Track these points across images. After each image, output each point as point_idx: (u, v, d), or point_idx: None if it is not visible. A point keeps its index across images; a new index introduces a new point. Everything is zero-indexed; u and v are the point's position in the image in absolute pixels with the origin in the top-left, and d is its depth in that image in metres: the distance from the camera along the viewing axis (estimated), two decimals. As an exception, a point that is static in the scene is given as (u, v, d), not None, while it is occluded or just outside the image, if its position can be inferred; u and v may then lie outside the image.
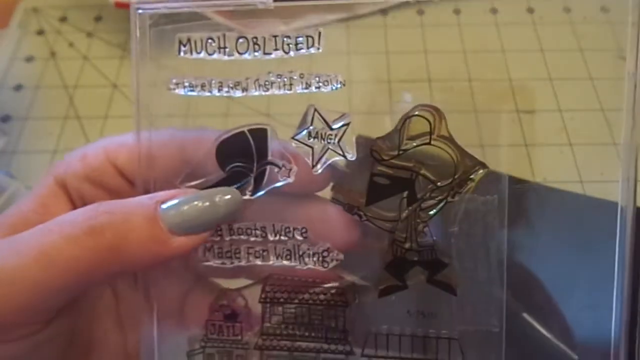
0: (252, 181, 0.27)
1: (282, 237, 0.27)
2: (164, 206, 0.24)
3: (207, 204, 0.25)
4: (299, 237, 0.27)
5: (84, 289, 0.26)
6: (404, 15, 0.46)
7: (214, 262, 0.28)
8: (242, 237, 0.27)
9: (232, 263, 0.28)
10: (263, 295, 0.28)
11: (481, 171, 0.25)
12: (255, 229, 0.27)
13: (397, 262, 0.26)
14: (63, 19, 0.57)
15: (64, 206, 0.27)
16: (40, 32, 0.56)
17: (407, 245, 0.26)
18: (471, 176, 0.25)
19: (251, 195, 0.27)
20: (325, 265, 0.27)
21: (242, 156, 0.27)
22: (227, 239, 0.28)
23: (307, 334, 0.27)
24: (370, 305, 0.27)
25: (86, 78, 0.52)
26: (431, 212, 0.26)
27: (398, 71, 0.40)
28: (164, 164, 0.27)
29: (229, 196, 0.25)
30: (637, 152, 0.25)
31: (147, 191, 0.27)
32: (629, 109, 0.25)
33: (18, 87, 0.52)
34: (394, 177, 0.26)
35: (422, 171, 0.25)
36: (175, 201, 0.25)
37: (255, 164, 0.27)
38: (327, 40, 0.26)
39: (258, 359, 0.28)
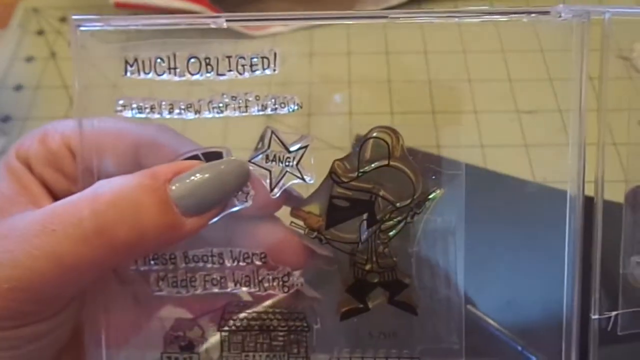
0: (207, 206, 0.26)
1: (241, 263, 0.26)
2: (173, 187, 0.23)
3: (216, 178, 0.24)
4: (258, 262, 0.26)
5: (97, 278, 0.25)
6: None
7: (168, 292, 0.27)
8: (198, 264, 0.26)
9: (187, 292, 0.27)
10: (221, 323, 0.27)
11: (438, 191, 0.26)
12: (212, 256, 0.26)
13: (358, 284, 0.26)
14: (63, 19, 0.57)
15: (38, 186, 0.25)
16: (40, 32, 0.56)
17: (367, 267, 0.26)
18: (429, 196, 0.25)
19: (207, 221, 0.26)
20: (286, 290, 0.26)
21: (197, 181, 0.26)
22: (182, 266, 0.27)
23: (268, 360, 0.27)
24: (332, 328, 0.27)
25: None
26: (391, 233, 0.26)
27: (398, 71, 0.40)
28: (113, 156, 0.26)
29: (234, 165, 0.25)
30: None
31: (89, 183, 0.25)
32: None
33: (18, 87, 0.52)
34: (353, 199, 0.26)
35: (382, 192, 0.25)
36: (184, 180, 0.24)
37: (210, 189, 0.26)
38: (285, 62, 0.25)
39: (218, 388, 0.27)
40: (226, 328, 0.27)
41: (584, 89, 0.25)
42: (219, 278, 0.26)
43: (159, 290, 0.27)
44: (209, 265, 0.27)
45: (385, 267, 0.26)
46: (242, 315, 0.27)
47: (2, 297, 0.22)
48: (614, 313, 0.26)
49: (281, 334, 0.27)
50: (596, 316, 0.26)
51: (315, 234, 0.26)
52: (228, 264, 0.26)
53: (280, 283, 0.26)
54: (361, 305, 0.26)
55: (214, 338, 0.27)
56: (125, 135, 0.26)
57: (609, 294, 0.26)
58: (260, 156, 0.26)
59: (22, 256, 0.22)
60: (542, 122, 0.40)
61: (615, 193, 0.26)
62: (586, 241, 0.26)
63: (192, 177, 0.24)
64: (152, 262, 0.27)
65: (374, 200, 0.26)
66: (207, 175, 0.24)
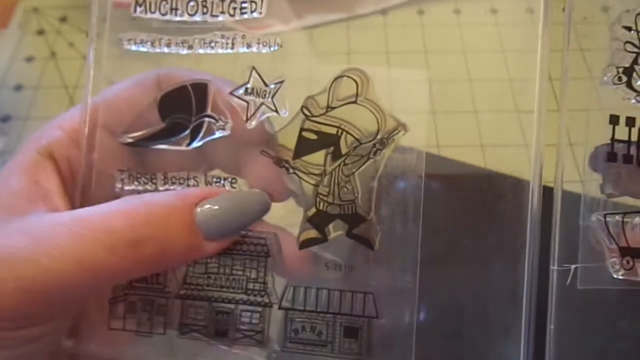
0: (189, 132, 0.29)
1: (212, 187, 0.28)
2: (199, 210, 0.25)
3: (239, 207, 0.26)
4: (228, 187, 0.28)
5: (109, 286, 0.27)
6: (404, 15, 0.46)
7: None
8: (175, 186, 0.28)
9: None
10: (189, 245, 0.28)
11: (402, 133, 0.27)
12: (188, 179, 0.28)
13: (319, 214, 0.27)
14: (63, 19, 0.56)
15: (52, 179, 0.27)
16: (40, 32, 0.56)
17: (329, 199, 0.27)
18: (393, 136, 0.27)
19: (187, 146, 0.28)
20: (251, 215, 0.28)
21: (183, 109, 0.28)
22: (162, 188, 0.29)
23: (227, 284, 0.28)
24: (290, 257, 0.27)
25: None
26: (354, 169, 0.27)
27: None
28: (112, 114, 0.29)
29: (257, 197, 0.27)
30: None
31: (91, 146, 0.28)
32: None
33: (18, 87, 0.52)
34: (321, 132, 0.27)
35: (348, 128, 0.27)
36: (210, 206, 0.25)
37: (193, 117, 0.29)
38: (270, 6, 0.28)
39: (179, 308, 0.28)
40: (193, 249, 0.28)
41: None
42: (192, 200, 0.28)
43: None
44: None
45: (346, 201, 0.27)
46: (208, 237, 0.28)
47: (10, 297, 0.22)
48: (573, 266, 0.26)
49: (242, 258, 0.28)
50: (555, 267, 0.26)
51: (284, 163, 0.27)
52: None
53: (247, 208, 0.28)
54: (320, 236, 0.27)
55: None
56: (148, 75, 0.29)
57: (569, 247, 0.26)
58: (242, 90, 0.28)
59: (40, 255, 0.22)
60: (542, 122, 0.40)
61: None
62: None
63: (217, 205, 0.26)
64: (135, 183, 0.29)
65: (340, 135, 0.27)
66: (231, 204, 0.26)
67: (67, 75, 0.52)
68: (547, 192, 0.26)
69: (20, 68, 0.53)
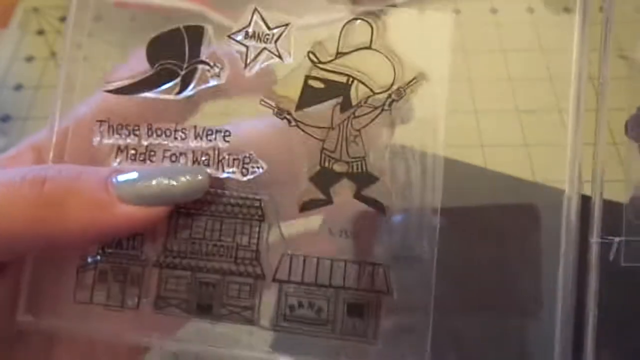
0: (179, 80, 0.25)
1: (203, 143, 0.25)
2: (120, 176, 0.23)
3: (166, 173, 0.23)
4: (221, 144, 0.25)
5: (21, 248, 0.23)
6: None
7: (127, 164, 0.25)
8: (160, 139, 0.25)
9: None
10: (171, 205, 0.25)
11: (421, 82, 0.24)
12: (176, 130, 0.25)
13: (323, 172, 0.24)
14: (63, 19, 0.56)
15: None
16: (40, 32, 0.56)
17: (336, 156, 0.24)
18: (411, 86, 0.24)
19: (177, 95, 0.25)
20: (245, 172, 0.24)
21: (174, 54, 0.25)
22: (145, 143, 0.25)
23: (214, 252, 0.24)
24: (289, 222, 0.24)
25: (86, 78, 0.52)
26: (365, 122, 0.24)
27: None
28: None
29: (195, 170, 0.24)
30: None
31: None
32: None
33: (18, 87, 0.52)
34: (329, 81, 0.24)
35: (360, 76, 0.24)
36: (134, 174, 0.23)
37: (185, 63, 0.25)
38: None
39: (156, 279, 0.24)
40: (175, 210, 0.24)
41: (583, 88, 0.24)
42: (178, 154, 0.25)
43: (117, 164, 0.25)
44: (172, 144, 0.25)
45: (355, 158, 0.24)
46: (195, 197, 0.24)
47: None
48: (617, 239, 0.22)
49: (232, 221, 0.24)
50: (595, 239, 0.22)
51: (285, 114, 0.24)
52: (192, 143, 0.25)
53: (241, 165, 0.24)
54: (323, 197, 0.24)
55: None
56: None
57: (612, 218, 0.22)
58: (241, 34, 0.25)
59: None
60: (542, 122, 0.38)
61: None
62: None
63: (144, 172, 0.23)
64: (115, 135, 0.25)
65: (351, 84, 0.24)
66: (155, 169, 0.24)
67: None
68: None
69: (20, 68, 0.53)
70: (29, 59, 0.54)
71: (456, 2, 0.47)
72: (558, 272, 0.21)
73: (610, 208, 0.23)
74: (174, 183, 0.23)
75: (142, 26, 0.27)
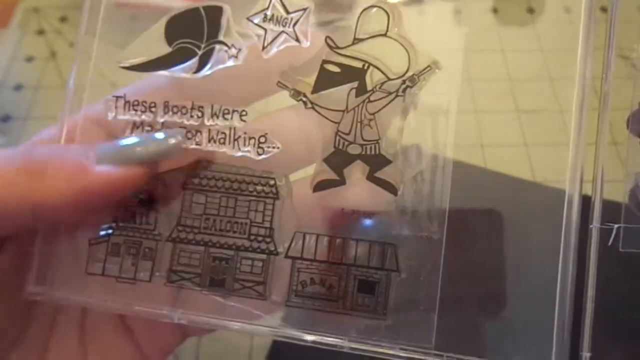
0: (197, 59, 0.26)
1: (219, 121, 0.25)
2: (101, 145, 0.24)
3: (141, 142, 0.24)
4: (237, 123, 0.25)
5: (10, 221, 0.23)
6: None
7: (141, 142, 0.25)
8: (176, 117, 0.25)
9: (160, 144, 0.25)
10: (187, 181, 0.25)
11: (435, 71, 0.25)
12: (192, 109, 0.25)
13: (337, 154, 0.24)
14: (63, 19, 0.57)
15: None
16: (40, 32, 0.56)
17: (350, 138, 0.24)
18: (424, 73, 0.24)
19: (194, 74, 0.26)
20: (261, 152, 0.25)
21: (192, 33, 0.26)
22: (161, 120, 0.26)
23: (228, 228, 0.25)
24: (302, 201, 0.24)
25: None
26: (379, 106, 0.24)
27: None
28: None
29: (171, 140, 0.24)
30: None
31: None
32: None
33: (18, 87, 0.52)
34: (345, 65, 0.25)
35: (375, 62, 0.25)
36: (114, 142, 0.24)
37: (203, 43, 0.26)
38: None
39: (170, 253, 0.25)
40: (190, 186, 0.25)
41: (587, 87, 0.25)
42: (194, 132, 0.25)
43: (131, 140, 0.25)
44: (187, 122, 0.25)
45: (369, 140, 0.24)
46: (209, 174, 0.25)
47: None
48: (616, 225, 0.23)
49: (247, 199, 0.25)
50: (595, 225, 0.23)
51: (301, 96, 0.25)
52: (207, 121, 0.25)
53: (256, 144, 0.25)
54: (337, 178, 0.24)
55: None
56: None
57: (611, 204, 0.24)
58: (260, 17, 0.25)
59: None
60: (542, 122, 0.39)
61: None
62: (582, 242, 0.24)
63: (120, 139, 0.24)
64: (131, 111, 0.26)
65: (367, 69, 0.25)
66: (135, 139, 0.24)
67: (67, 75, 0.52)
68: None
69: (20, 68, 0.54)
70: (29, 59, 0.54)
71: (456, 1, 0.48)
72: (559, 261, 0.22)
73: (609, 207, 0.24)
74: (148, 144, 0.24)
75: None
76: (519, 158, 0.39)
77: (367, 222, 0.24)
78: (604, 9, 0.26)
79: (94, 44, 0.27)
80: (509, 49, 0.43)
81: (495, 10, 0.47)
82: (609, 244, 0.23)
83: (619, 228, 0.23)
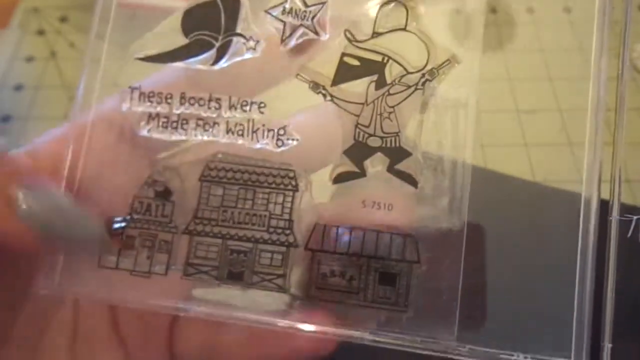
0: (214, 51, 0.26)
1: (237, 113, 0.25)
2: (22, 191, 0.22)
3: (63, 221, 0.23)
4: (256, 115, 0.25)
5: None
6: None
7: (157, 133, 0.25)
8: (192, 109, 0.25)
9: (176, 136, 0.25)
10: (204, 173, 0.25)
11: (454, 64, 0.25)
12: (210, 100, 0.25)
13: (357, 146, 0.24)
14: (63, 19, 0.57)
15: None
16: (40, 32, 0.56)
17: (370, 130, 0.24)
18: (443, 67, 0.25)
19: (211, 65, 0.25)
20: (280, 144, 0.25)
21: (210, 25, 0.26)
22: (177, 112, 0.25)
23: (247, 220, 0.24)
24: (322, 193, 0.24)
25: (86, 78, 0.52)
26: (399, 99, 0.24)
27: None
28: None
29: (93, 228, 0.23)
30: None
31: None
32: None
33: (18, 87, 0.52)
34: (365, 59, 0.25)
35: (394, 57, 0.25)
36: (35, 200, 0.22)
37: (221, 35, 0.26)
38: None
39: (186, 245, 0.24)
40: (208, 178, 0.25)
41: (602, 89, 0.25)
42: (212, 124, 0.25)
43: (147, 131, 0.25)
44: (204, 114, 0.25)
45: (389, 133, 0.24)
46: (227, 166, 0.25)
47: None
48: (635, 217, 0.23)
49: (266, 191, 0.24)
50: (614, 216, 0.23)
51: (321, 89, 0.25)
52: (225, 113, 0.25)
53: (275, 137, 0.25)
54: (357, 170, 0.24)
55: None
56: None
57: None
58: (278, 10, 0.25)
59: None
60: (542, 122, 0.40)
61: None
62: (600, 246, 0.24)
63: (40, 203, 0.22)
64: (147, 103, 0.25)
65: (386, 63, 0.25)
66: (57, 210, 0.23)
67: (67, 75, 0.52)
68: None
69: (20, 68, 0.54)
70: (29, 59, 0.54)
71: (456, 1, 0.48)
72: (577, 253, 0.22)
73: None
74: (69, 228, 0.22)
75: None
76: (519, 158, 0.39)
77: (388, 213, 0.24)
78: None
79: (103, 47, 0.27)
80: (509, 48, 0.44)
81: (494, 11, 0.47)
82: (629, 235, 0.23)
83: (638, 219, 0.23)
